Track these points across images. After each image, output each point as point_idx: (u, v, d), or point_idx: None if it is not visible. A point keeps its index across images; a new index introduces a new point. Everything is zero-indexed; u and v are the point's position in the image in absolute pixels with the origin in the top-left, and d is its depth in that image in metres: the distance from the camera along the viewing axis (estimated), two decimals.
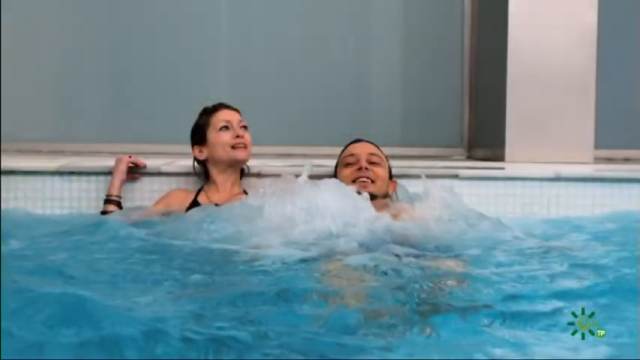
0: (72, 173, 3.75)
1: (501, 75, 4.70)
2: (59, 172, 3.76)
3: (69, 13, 5.40)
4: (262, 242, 2.84)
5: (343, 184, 3.21)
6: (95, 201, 3.70)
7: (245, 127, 3.59)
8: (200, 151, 3.59)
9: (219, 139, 3.53)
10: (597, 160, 4.77)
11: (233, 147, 3.52)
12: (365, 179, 3.41)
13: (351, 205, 3.08)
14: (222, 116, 3.57)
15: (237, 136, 3.53)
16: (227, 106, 3.63)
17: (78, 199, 3.73)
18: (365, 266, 2.60)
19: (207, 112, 3.61)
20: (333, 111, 5.40)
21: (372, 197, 3.39)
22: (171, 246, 2.97)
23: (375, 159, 3.49)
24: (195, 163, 3.66)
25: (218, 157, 3.55)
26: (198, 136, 3.59)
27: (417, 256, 2.74)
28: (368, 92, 5.50)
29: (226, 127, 3.54)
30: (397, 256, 2.74)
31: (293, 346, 1.85)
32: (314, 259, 2.70)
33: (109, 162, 3.74)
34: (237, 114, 3.61)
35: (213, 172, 3.59)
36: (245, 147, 3.55)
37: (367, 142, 3.62)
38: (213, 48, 5.41)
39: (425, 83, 5.46)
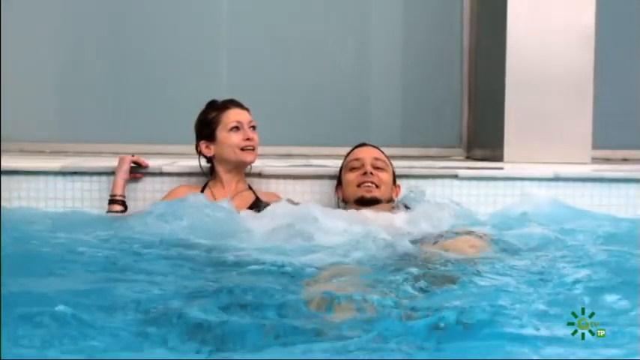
0: (74, 173, 3.77)
1: (500, 76, 4.70)
2: (62, 172, 3.77)
3: (70, 13, 5.40)
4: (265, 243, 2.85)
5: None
6: (97, 201, 3.71)
7: (254, 127, 3.56)
8: (207, 147, 3.56)
9: (229, 140, 3.51)
10: (595, 160, 4.78)
11: (242, 149, 3.51)
12: (370, 184, 3.42)
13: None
14: (234, 116, 3.53)
15: (247, 139, 3.51)
16: (237, 104, 3.59)
17: (80, 199, 3.74)
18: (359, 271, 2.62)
19: (217, 108, 3.56)
20: (333, 112, 5.41)
21: (377, 202, 3.42)
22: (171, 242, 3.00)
23: (379, 164, 3.50)
24: (201, 158, 3.62)
25: (226, 156, 3.53)
26: (207, 132, 3.55)
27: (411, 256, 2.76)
28: (368, 93, 5.50)
29: (237, 128, 3.51)
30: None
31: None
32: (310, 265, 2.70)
33: (111, 162, 3.76)
34: (247, 114, 3.57)
35: (220, 169, 3.58)
36: (253, 149, 3.54)
37: (372, 146, 3.62)
38: (214, 49, 5.41)
39: (424, 84, 5.47)
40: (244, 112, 3.57)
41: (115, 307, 2.08)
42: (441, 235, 2.89)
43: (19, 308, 1.97)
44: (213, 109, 3.57)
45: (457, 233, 2.94)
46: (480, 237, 2.84)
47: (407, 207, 3.50)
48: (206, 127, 3.55)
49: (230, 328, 1.96)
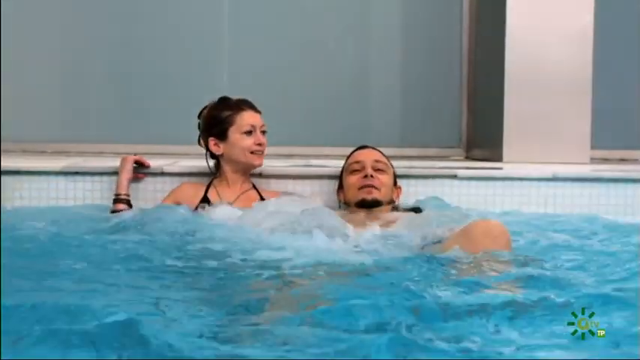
0: (76, 173, 3.79)
1: (499, 76, 4.71)
2: (63, 173, 3.79)
3: (73, 14, 5.40)
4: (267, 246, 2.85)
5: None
6: (99, 201, 3.73)
7: (264, 132, 3.56)
8: (216, 145, 3.55)
9: (242, 143, 3.51)
10: (594, 160, 4.79)
11: (252, 152, 3.52)
12: (370, 186, 3.44)
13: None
14: (249, 119, 3.52)
15: (259, 143, 3.52)
16: (252, 106, 3.57)
17: (82, 198, 3.76)
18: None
19: (231, 108, 3.54)
20: (333, 112, 5.41)
21: (378, 204, 3.43)
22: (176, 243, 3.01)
23: (380, 166, 3.51)
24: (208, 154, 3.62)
25: (235, 157, 3.54)
26: (218, 129, 3.53)
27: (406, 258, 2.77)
28: (367, 93, 5.51)
29: (250, 132, 3.51)
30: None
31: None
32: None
33: (113, 162, 3.77)
34: (260, 117, 3.56)
35: (227, 168, 3.58)
36: (262, 153, 3.56)
37: (372, 148, 3.64)
38: (215, 49, 5.42)
39: (424, 84, 5.48)
40: (258, 116, 3.57)
41: (112, 308, 2.08)
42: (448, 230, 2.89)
43: (17, 308, 1.98)
44: (228, 108, 3.55)
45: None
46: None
47: (416, 210, 3.51)
48: (218, 125, 3.53)
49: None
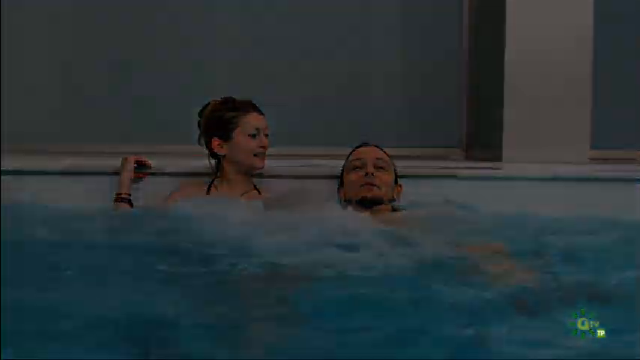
0: (77, 173, 3.79)
1: (499, 76, 4.72)
2: (64, 172, 3.79)
3: (73, 13, 5.41)
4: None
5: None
6: (101, 200, 3.71)
7: (266, 135, 3.57)
8: (220, 146, 3.54)
9: (246, 145, 3.51)
10: (593, 160, 4.79)
11: (255, 154, 3.52)
12: (371, 184, 3.44)
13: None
14: (255, 122, 3.52)
15: (262, 146, 3.53)
16: (257, 109, 3.58)
17: (82, 198, 3.74)
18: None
19: (237, 109, 3.55)
20: (333, 112, 5.42)
21: (378, 202, 3.44)
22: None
23: (381, 164, 3.51)
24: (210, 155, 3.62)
25: (238, 159, 3.54)
26: (222, 130, 3.52)
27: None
28: (367, 93, 5.51)
29: (255, 135, 3.52)
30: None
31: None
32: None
33: (114, 162, 3.77)
34: (264, 120, 3.57)
35: (229, 169, 3.58)
36: (265, 155, 3.56)
37: (374, 145, 3.64)
38: (215, 50, 5.42)
39: (423, 85, 5.47)
40: (263, 118, 3.57)
41: (109, 310, 2.09)
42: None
43: (16, 308, 1.98)
44: (233, 109, 3.55)
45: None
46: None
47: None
48: (222, 126, 3.53)
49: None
